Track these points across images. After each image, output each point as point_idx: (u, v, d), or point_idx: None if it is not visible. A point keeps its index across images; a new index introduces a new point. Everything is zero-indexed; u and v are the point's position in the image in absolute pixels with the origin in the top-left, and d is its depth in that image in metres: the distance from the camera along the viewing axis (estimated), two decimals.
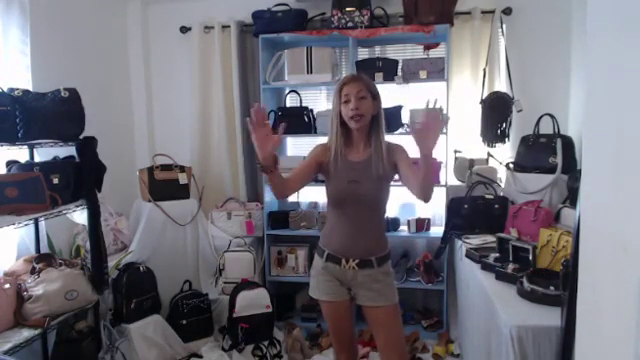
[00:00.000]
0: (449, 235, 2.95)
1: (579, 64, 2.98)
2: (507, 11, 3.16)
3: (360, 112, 1.82)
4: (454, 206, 2.95)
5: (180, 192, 3.27)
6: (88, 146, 2.43)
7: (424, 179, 1.74)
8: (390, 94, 3.31)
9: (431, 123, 1.64)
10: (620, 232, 0.89)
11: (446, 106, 3.05)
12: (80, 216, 2.49)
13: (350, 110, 1.83)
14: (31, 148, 2.39)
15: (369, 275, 1.88)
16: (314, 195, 3.57)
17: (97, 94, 3.15)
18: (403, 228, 3.31)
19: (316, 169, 1.93)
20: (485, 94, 3.12)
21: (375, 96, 1.89)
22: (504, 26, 3.16)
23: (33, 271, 2.23)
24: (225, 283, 3.18)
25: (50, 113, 2.22)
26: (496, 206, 2.83)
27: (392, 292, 1.92)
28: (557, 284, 1.77)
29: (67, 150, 2.48)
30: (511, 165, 2.95)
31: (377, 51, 3.45)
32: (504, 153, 3.11)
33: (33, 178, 2.17)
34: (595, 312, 1.03)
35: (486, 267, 2.24)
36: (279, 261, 3.41)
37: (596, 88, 1.05)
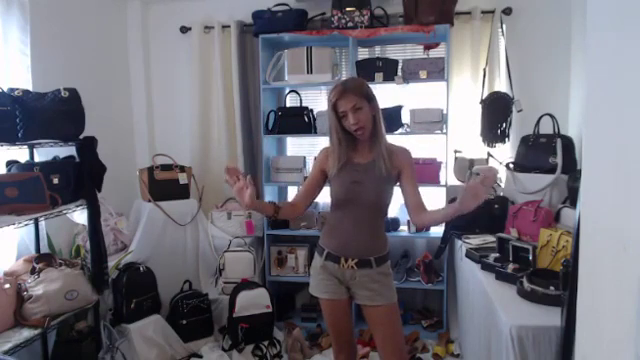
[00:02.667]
0: (449, 235, 2.95)
1: (579, 64, 2.98)
2: (507, 11, 3.16)
3: (360, 124, 1.81)
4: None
5: (180, 192, 3.27)
6: (88, 146, 2.43)
7: (435, 222, 1.85)
8: (390, 94, 3.32)
9: (486, 181, 1.66)
10: (620, 231, 0.89)
11: (446, 106, 3.06)
12: (80, 216, 2.49)
13: (352, 125, 1.81)
14: (31, 148, 2.39)
15: (367, 275, 1.89)
16: None
17: (97, 94, 3.15)
18: (403, 228, 3.31)
19: (323, 178, 1.95)
20: (485, 94, 3.12)
21: (370, 99, 1.85)
22: (504, 26, 3.16)
23: (33, 271, 2.23)
24: (225, 283, 3.18)
25: (50, 113, 2.22)
26: (496, 206, 2.83)
27: (391, 292, 1.92)
28: (557, 284, 1.77)
29: (67, 150, 2.48)
30: (511, 165, 2.95)
31: (377, 51, 3.45)
32: (504, 153, 3.10)
33: (33, 178, 2.17)
34: (595, 312, 1.03)
35: (486, 267, 2.24)
36: (279, 261, 3.41)
37: (596, 88, 1.05)
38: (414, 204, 1.88)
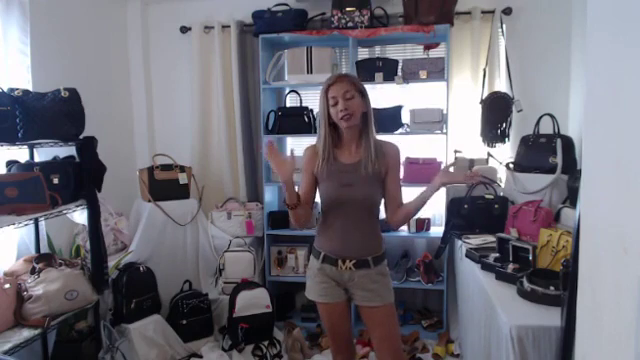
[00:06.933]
0: (449, 235, 2.95)
1: (579, 64, 2.98)
2: (507, 11, 3.16)
3: (349, 111, 1.80)
4: (454, 206, 2.95)
5: (180, 192, 3.27)
6: (88, 146, 2.43)
7: (412, 213, 1.91)
8: (390, 94, 3.32)
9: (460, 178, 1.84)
10: (620, 232, 0.89)
11: (446, 106, 3.06)
12: (80, 216, 2.49)
13: (339, 112, 1.80)
14: (31, 148, 2.39)
15: (366, 275, 1.88)
16: None
17: (97, 94, 3.15)
18: (403, 228, 3.30)
19: (314, 180, 1.94)
20: (485, 94, 3.12)
21: (363, 94, 1.86)
22: (504, 26, 3.16)
23: (33, 271, 2.23)
24: (225, 283, 3.18)
25: (50, 113, 2.22)
26: (496, 206, 2.83)
27: (388, 292, 1.92)
28: (557, 284, 1.77)
29: (67, 150, 2.48)
30: (511, 165, 2.95)
31: (377, 51, 3.45)
32: (504, 153, 3.11)
33: (33, 178, 2.17)
34: (595, 312, 1.03)
35: (486, 267, 2.24)
36: (279, 261, 3.41)
37: (595, 88, 1.05)
38: (395, 204, 1.92)
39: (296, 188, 1.88)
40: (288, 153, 3.63)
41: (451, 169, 1.91)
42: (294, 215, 1.89)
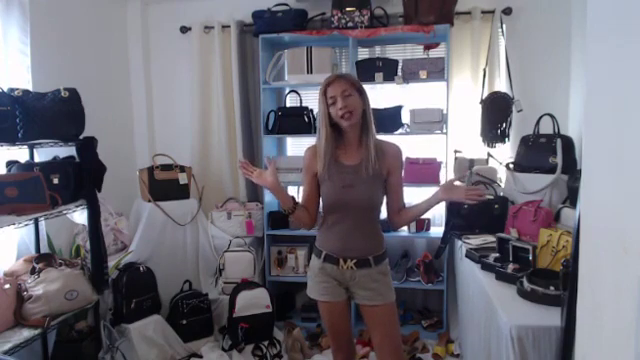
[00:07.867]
0: (449, 235, 2.95)
1: (579, 64, 2.98)
2: (507, 11, 3.16)
3: (349, 109, 1.79)
4: (454, 206, 2.95)
5: (180, 192, 3.27)
6: (88, 146, 2.43)
7: (414, 218, 2.02)
8: (390, 94, 3.32)
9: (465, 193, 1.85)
10: (620, 232, 0.89)
11: (446, 106, 3.06)
12: (80, 216, 2.49)
13: (339, 110, 1.79)
14: (31, 148, 2.39)
15: (367, 274, 1.88)
16: None
17: (97, 94, 3.15)
18: (403, 228, 3.30)
19: (317, 181, 1.94)
20: (485, 94, 3.12)
21: (361, 92, 1.85)
22: (504, 26, 3.16)
23: (33, 271, 2.23)
24: (225, 283, 3.18)
25: (50, 113, 2.23)
26: (496, 206, 2.83)
27: (389, 291, 1.92)
28: (557, 284, 1.77)
29: (67, 150, 2.48)
30: (511, 165, 2.95)
31: (377, 51, 3.45)
32: (504, 153, 3.11)
33: (33, 178, 2.17)
34: (595, 312, 1.03)
35: (486, 267, 2.24)
36: (279, 261, 3.41)
37: (596, 88, 1.05)
38: (398, 205, 1.95)
39: (289, 189, 1.90)
40: (289, 153, 3.67)
41: (457, 183, 1.93)
42: (296, 218, 1.93)
